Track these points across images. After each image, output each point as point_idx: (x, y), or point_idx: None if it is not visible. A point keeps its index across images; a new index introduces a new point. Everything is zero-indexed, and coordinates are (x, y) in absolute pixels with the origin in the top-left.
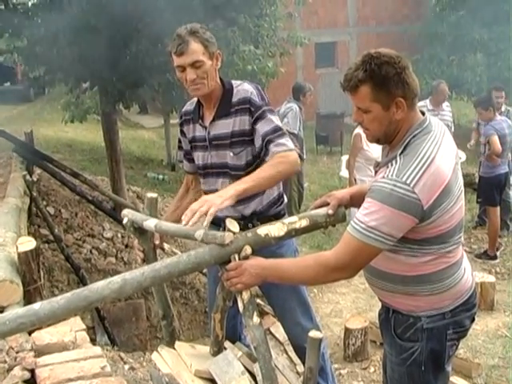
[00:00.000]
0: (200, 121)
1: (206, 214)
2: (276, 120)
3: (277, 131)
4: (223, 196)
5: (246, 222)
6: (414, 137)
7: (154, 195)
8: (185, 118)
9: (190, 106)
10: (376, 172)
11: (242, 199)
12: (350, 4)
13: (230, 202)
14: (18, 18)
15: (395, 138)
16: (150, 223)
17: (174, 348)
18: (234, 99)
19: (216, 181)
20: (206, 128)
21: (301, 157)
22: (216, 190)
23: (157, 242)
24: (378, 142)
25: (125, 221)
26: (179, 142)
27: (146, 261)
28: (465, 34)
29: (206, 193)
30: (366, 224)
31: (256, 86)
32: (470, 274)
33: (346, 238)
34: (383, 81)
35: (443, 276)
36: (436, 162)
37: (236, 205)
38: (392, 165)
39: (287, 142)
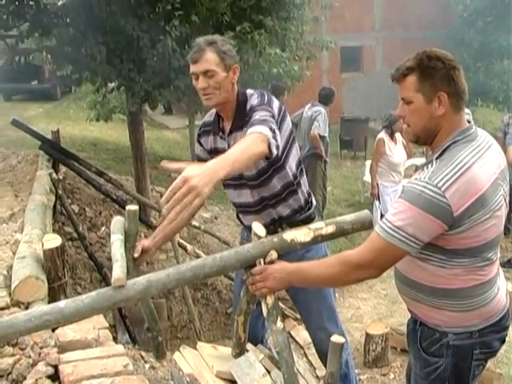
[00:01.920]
0: (221, 133)
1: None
2: (263, 114)
3: (255, 120)
4: (208, 184)
5: (275, 227)
6: (454, 143)
7: (134, 207)
8: (204, 129)
9: (209, 117)
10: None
11: (269, 205)
12: (377, 9)
13: (212, 189)
14: (48, 18)
15: (435, 139)
16: (112, 238)
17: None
18: (247, 110)
19: (240, 192)
20: (226, 140)
21: (325, 160)
22: (246, 203)
23: (135, 255)
24: (417, 140)
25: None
26: (196, 150)
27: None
28: (492, 41)
29: (235, 204)
30: (393, 223)
31: (262, 92)
32: (504, 295)
33: (372, 236)
34: (430, 72)
35: (473, 293)
36: (473, 171)
37: (267, 209)
38: (427, 168)
39: (258, 127)
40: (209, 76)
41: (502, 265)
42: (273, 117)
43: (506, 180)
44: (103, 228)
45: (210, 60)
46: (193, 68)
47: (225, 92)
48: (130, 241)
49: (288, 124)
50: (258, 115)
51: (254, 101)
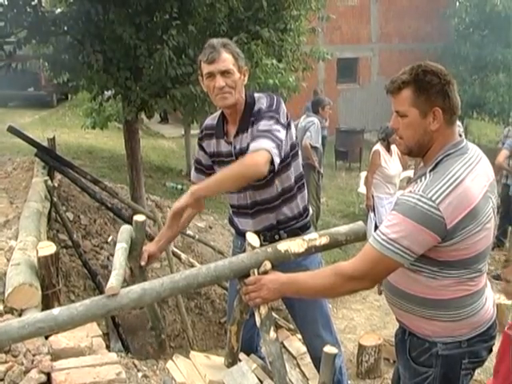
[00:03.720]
0: (225, 137)
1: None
2: (266, 124)
3: (259, 131)
4: (182, 197)
5: (272, 234)
6: (447, 156)
7: (141, 218)
8: (206, 132)
9: (211, 120)
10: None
11: (268, 209)
12: (374, 21)
13: (184, 202)
14: (46, 26)
15: (428, 152)
16: (117, 246)
17: (166, 355)
18: (254, 111)
19: (244, 195)
20: (231, 143)
21: (318, 171)
22: (244, 205)
23: (142, 263)
24: (410, 153)
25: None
26: (197, 153)
27: (133, 278)
28: (487, 54)
29: (231, 206)
30: (387, 236)
31: (272, 96)
32: (491, 305)
33: (366, 248)
34: (425, 86)
35: (462, 304)
36: (465, 184)
37: (262, 214)
38: (421, 180)
39: (257, 143)
40: (226, 76)
41: (496, 277)
42: (277, 122)
43: (495, 192)
44: (110, 237)
45: (228, 60)
46: (209, 68)
47: (238, 93)
48: (136, 249)
49: (293, 130)
50: (261, 125)
51: (262, 103)
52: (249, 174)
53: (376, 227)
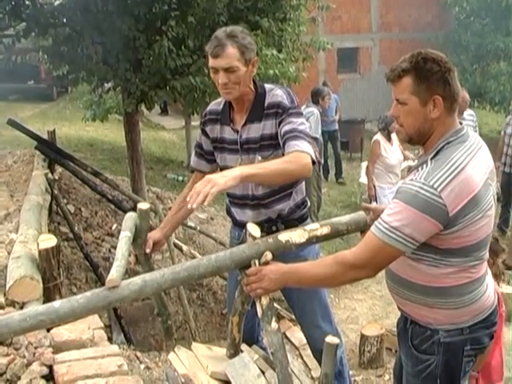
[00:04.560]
0: (231, 124)
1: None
2: (299, 122)
3: (294, 131)
4: (227, 176)
5: (270, 225)
6: (447, 143)
7: (145, 206)
8: (209, 117)
9: (216, 105)
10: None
11: (268, 202)
12: (374, 10)
13: (233, 183)
14: (45, 18)
15: (428, 140)
16: (120, 235)
17: (173, 341)
18: (266, 103)
19: (246, 184)
20: (237, 132)
21: (318, 161)
22: (246, 196)
23: (147, 251)
24: (410, 140)
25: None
26: (199, 138)
27: (139, 265)
28: (488, 43)
29: (229, 195)
30: (389, 224)
31: (287, 89)
32: (492, 292)
33: (367, 236)
34: (426, 74)
35: (464, 291)
36: (466, 171)
37: (261, 207)
38: (422, 168)
39: (302, 144)
40: (230, 72)
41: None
42: (304, 118)
43: (495, 180)
44: (115, 225)
45: (232, 55)
46: (213, 62)
47: (244, 86)
48: (141, 236)
49: None
50: (294, 122)
51: (281, 97)
52: (302, 174)
53: None
